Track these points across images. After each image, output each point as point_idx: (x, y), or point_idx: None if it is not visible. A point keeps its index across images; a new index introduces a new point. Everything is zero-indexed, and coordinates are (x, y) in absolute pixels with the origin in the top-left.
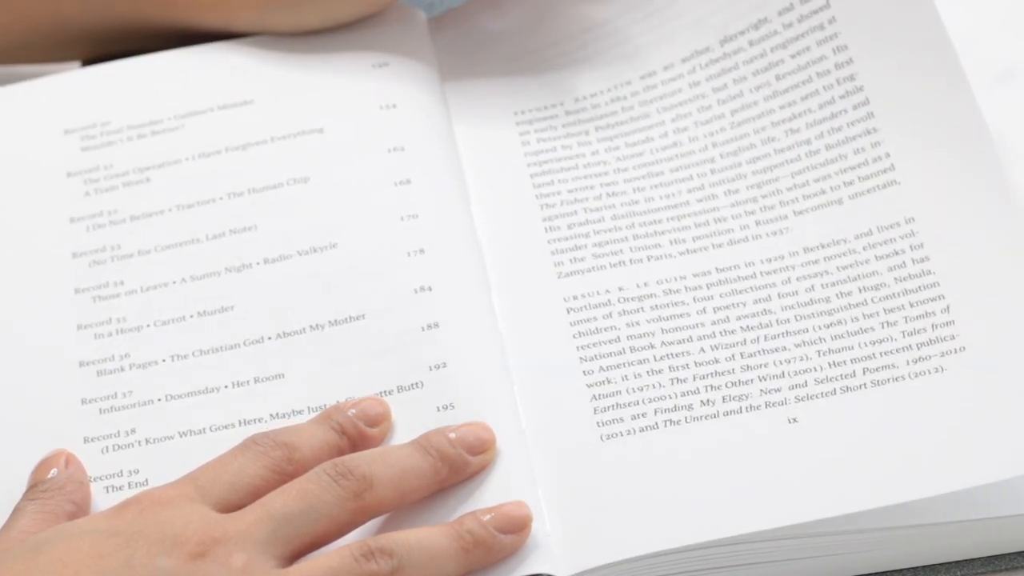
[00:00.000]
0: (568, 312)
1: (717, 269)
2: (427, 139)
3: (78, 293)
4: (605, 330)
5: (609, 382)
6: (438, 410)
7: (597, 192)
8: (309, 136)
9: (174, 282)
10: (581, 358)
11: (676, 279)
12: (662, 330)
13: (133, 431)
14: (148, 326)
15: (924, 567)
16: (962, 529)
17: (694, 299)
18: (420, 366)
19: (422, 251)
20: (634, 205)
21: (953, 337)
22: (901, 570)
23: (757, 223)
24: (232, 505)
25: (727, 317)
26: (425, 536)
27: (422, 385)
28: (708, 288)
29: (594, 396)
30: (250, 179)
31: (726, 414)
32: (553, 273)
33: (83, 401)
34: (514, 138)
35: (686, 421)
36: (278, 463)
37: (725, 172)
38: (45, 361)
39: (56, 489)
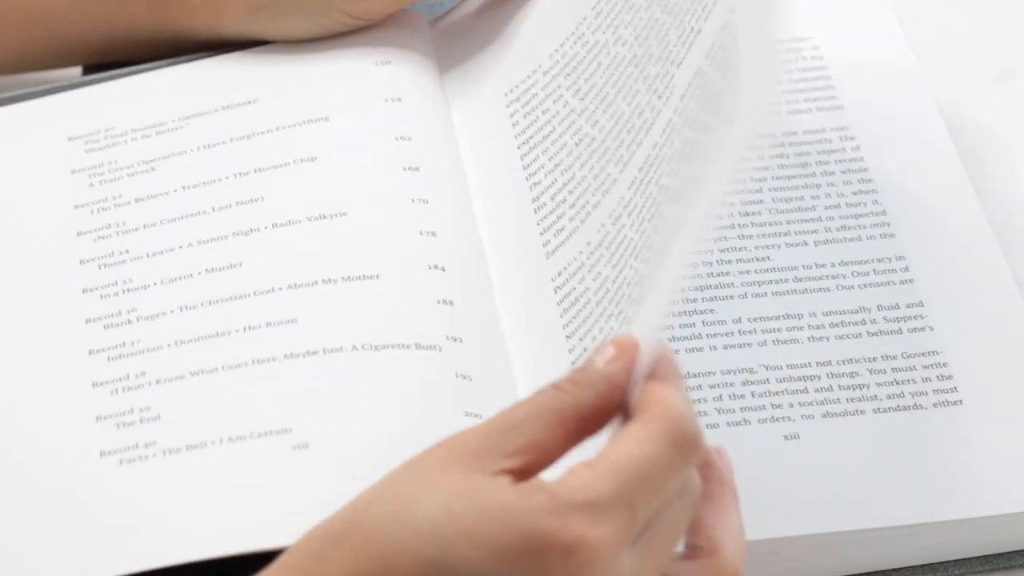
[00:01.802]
0: (555, 291)
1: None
2: (433, 131)
3: (83, 264)
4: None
5: None
6: (456, 377)
7: (572, 151)
8: (315, 124)
9: (180, 247)
10: (569, 350)
11: None
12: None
13: (143, 374)
14: (155, 284)
15: (922, 566)
16: (960, 528)
17: None
18: (438, 333)
19: (434, 234)
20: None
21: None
22: (899, 569)
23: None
24: None
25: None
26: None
27: (440, 349)
28: None
29: None
30: (256, 161)
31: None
32: (542, 253)
33: (90, 352)
34: (504, 120)
35: None
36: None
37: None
38: (50, 324)
39: (582, 384)
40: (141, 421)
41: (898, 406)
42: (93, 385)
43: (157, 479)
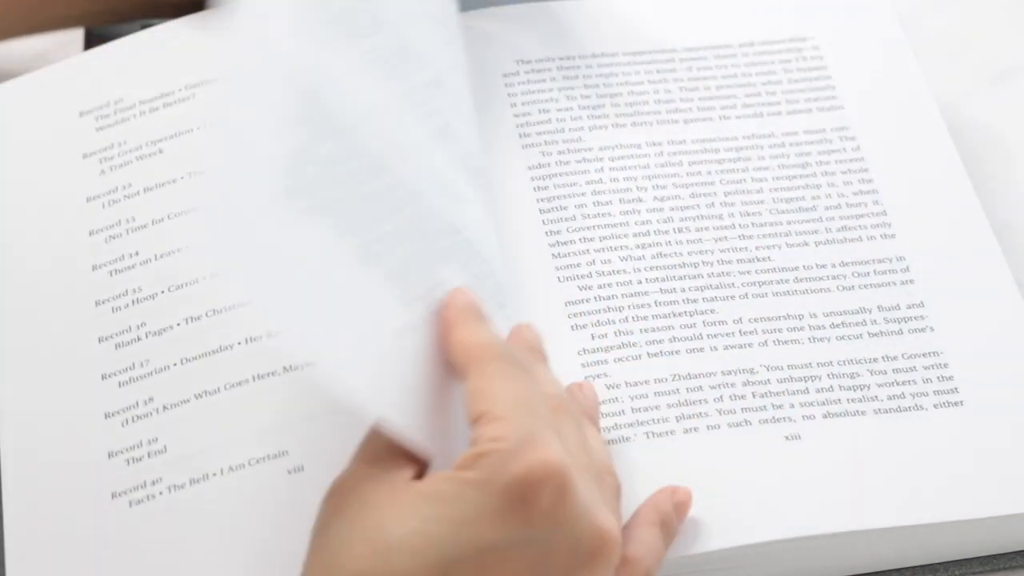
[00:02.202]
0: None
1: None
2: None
3: (95, 270)
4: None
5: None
6: None
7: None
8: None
9: (187, 247)
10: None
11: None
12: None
13: (150, 400)
14: (162, 292)
15: (923, 566)
16: (960, 529)
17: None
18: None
19: None
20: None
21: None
22: (900, 569)
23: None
24: None
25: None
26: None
27: None
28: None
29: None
30: None
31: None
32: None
33: (103, 376)
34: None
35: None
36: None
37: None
38: (66, 340)
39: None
40: (148, 455)
41: (899, 407)
42: (105, 416)
43: (164, 519)
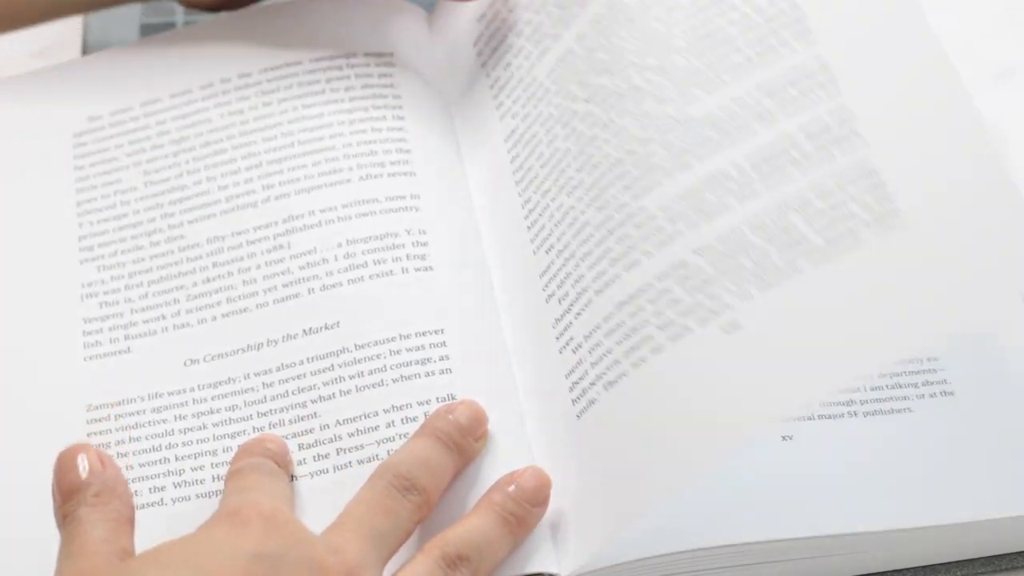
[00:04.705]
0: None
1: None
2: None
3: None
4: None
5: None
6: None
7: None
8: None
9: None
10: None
11: None
12: None
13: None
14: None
15: (924, 567)
16: (962, 530)
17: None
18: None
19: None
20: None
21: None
22: (901, 570)
23: None
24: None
25: None
26: (482, 529)
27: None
28: None
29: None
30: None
31: None
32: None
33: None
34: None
35: None
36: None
37: None
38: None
39: (109, 491)
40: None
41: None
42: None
43: None
